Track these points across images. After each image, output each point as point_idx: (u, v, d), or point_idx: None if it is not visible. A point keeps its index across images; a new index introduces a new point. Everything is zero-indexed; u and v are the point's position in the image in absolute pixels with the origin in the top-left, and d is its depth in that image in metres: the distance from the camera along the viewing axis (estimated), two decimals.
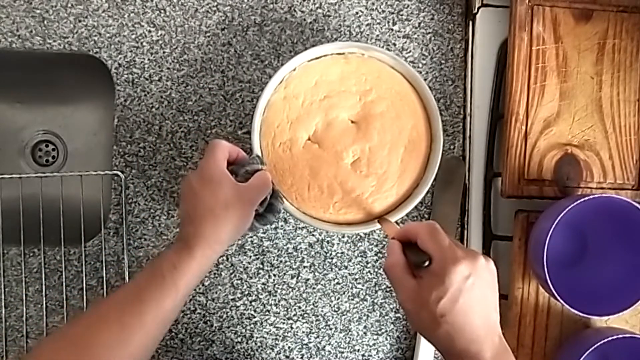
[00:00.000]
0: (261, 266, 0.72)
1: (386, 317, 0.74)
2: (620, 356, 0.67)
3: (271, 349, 0.73)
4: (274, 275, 0.73)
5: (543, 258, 0.61)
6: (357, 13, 0.75)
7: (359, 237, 0.74)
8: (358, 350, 0.73)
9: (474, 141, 0.73)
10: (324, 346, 0.73)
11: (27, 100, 0.81)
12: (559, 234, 0.68)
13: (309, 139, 0.65)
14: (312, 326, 0.73)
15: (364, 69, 0.65)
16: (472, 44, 0.74)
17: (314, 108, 0.64)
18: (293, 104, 0.64)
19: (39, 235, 0.69)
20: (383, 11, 0.75)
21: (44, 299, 0.70)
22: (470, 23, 0.75)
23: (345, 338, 0.73)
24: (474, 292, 0.47)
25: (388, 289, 0.74)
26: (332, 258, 0.73)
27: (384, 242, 0.74)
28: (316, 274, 0.73)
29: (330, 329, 0.73)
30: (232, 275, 0.72)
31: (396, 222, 0.63)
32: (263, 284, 0.72)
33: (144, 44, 0.72)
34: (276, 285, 0.73)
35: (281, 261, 0.73)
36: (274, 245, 0.73)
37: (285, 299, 0.73)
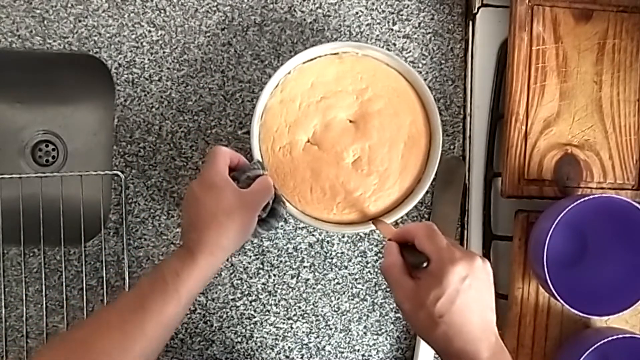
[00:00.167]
0: (261, 266, 0.72)
1: (386, 317, 0.74)
2: (620, 356, 0.67)
3: (271, 349, 0.73)
4: (274, 275, 0.73)
5: (543, 258, 0.61)
6: (357, 13, 0.75)
7: (359, 237, 0.74)
8: (358, 350, 0.73)
9: (474, 141, 0.73)
10: (324, 346, 0.73)
11: (27, 100, 0.81)
12: (559, 234, 0.68)
13: (308, 141, 0.64)
14: (312, 326, 0.73)
15: (359, 68, 0.65)
16: (472, 44, 0.74)
17: (311, 110, 0.64)
18: (290, 107, 0.64)
19: (39, 235, 0.69)
20: (383, 11, 0.75)
21: (44, 299, 0.70)
22: (470, 23, 0.75)
23: (345, 338, 0.73)
24: (471, 292, 0.48)
25: (388, 289, 0.74)
26: (332, 258, 0.73)
27: (383, 242, 0.74)
28: (316, 274, 0.73)
29: (330, 329, 0.73)
30: (232, 275, 0.72)
31: (396, 221, 0.63)
32: (263, 284, 0.72)
33: (144, 44, 0.72)
34: (276, 285, 0.73)
35: (281, 261, 0.73)
36: (274, 245, 0.73)
37: (285, 299, 0.73)
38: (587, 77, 0.70)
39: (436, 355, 0.73)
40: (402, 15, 0.75)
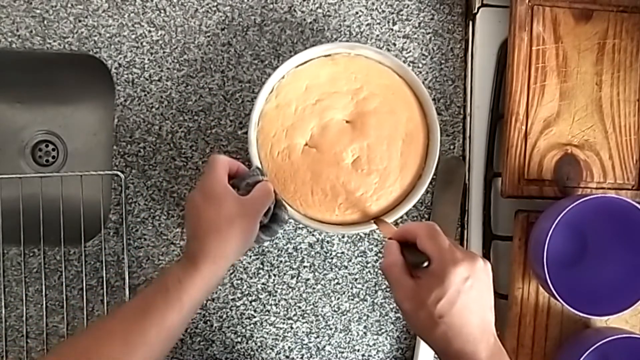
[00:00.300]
0: (261, 266, 0.72)
1: (386, 317, 0.74)
2: (620, 356, 0.67)
3: (271, 349, 0.73)
4: (274, 275, 0.73)
5: (543, 258, 0.61)
6: (357, 13, 0.75)
7: (359, 237, 0.74)
8: (358, 350, 0.73)
9: (474, 141, 0.73)
10: (324, 346, 0.73)
11: (27, 100, 0.81)
12: (559, 234, 0.68)
13: (306, 144, 0.64)
14: (312, 326, 0.73)
15: (352, 68, 0.65)
16: (472, 44, 0.74)
17: (307, 113, 0.64)
18: (286, 112, 0.64)
19: (39, 235, 0.69)
20: (383, 11, 0.75)
21: (44, 299, 0.70)
22: (470, 23, 0.75)
23: (345, 338, 0.73)
24: (472, 293, 0.48)
25: (388, 289, 0.74)
26: (332, 258, 0.73)
27: (384, 242, 0.74)
28: (316, 274, 0.73)
29: (330, 329, 0.73)
30: (232, 275, 0.72)
31: (396, 221, 0.63)
32: (263, 284, 0.72)
33: (144, 44, 0.72)
34: (276, 285, 0.73)
35: (281, 261, 0.73)
36: (274, 245, 0.73)
37: (285, 299, 0.73)
38: (587, 77, 0.70)
39: (436, 356, 0.73)
40: (402, 15, 0.75)
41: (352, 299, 0.73)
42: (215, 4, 0.73)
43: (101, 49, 0.72)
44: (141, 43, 0.72)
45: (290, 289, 0.73)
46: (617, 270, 0.67)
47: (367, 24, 0.75)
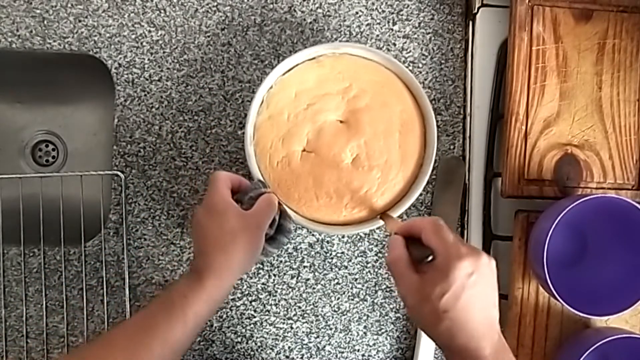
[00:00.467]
0: (261, 266, 0.72)
1: (386, 317, 0.74)
2: (620, 356, 0.67)
3: (271, 349, 0.73)
4: (274, 275, 0.73)
5: (543, 258, 0.61)
6: (357, 13, 0.75)
7: (359, 237, 0.74)
8: (358, 350, 0.73)
9: (474, 141, 0.73)
10: (324, 346, 0.73)
11: (27, 100, 0.81)
12: (559, 234, 0.68)
13: (304, 150, 0.64)
14: (312, 326, 0.73)
15: (338, 68, 0.65)
16: (472, 44, 0.74)
17: (300, 119, 0.64)
18: (279, 121, 0.64)
19: (39, 235, 0.69)
20: (383, 11, 0.75)
21: (44, 299, 0.70)
22: (470, 23, 0.75)
23: (345, 338, 0.73)
24: (476, 289, 0.47)
25: (388, 289, 0.74)
26: (332, 258, 0.73)
27: (384, 242, 0.74)
28: (316, 274, 0.73)
29: (330, 329, 0.73)
30: None
31: (402, 214, 0.63)
32: (263, 284, 0.72)
33: (144, 44, 0.72)
34: (276, 285, 0.73)
35: (281, 261, 0.73)
36: None
37: (285, 299, 0.73)
38: (587, 77, 0.70)
39: (436, 356, 0.73)
40: (402, 15, 0.75)
41: (352, 299, 0.73)
42: (215, 4, 0.73)
43: (101, 49, 0.72)
44: (141, 43, 0.72)
45: (290, 289, 0.73)
46: (617, 270, 0.67)
47: (367, 24, 0.75)
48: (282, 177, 0.64)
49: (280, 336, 0.73)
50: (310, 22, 0.74)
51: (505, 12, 0.71)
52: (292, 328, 0.73)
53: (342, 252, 0.73)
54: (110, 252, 0.71)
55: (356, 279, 0.73)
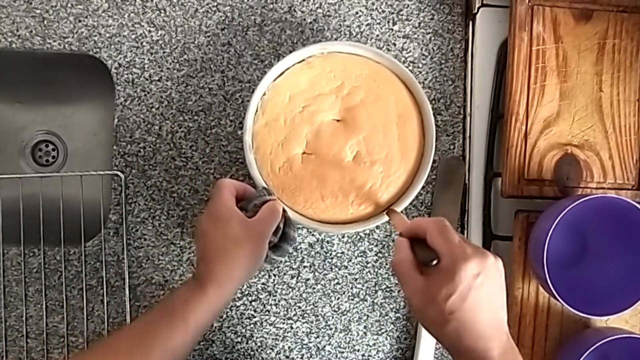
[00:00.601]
0: None
1: (386, 317, 0.74)
2: (620, 356, 0.67)
3: (271, 349, 0.73)
4: (274, 275, 0.73)
5: (543, 258, 0.61)
6: (357, 13, 0.75)
7: (359, 237, 0.74)
8: (358, 350, 0.73)
9: (474, 141, 0.73)
10: (324, 346, 0.73)
11: (27, 100, 0.81)
12: (559, 234, 0.68)
13: (304, 153, 0.64)
14: (312, 326, 0.73)
15: (328, 67, 0.65)
16: (472, 44, 0.74)
17: (297, 122, 0.64)
18: (276, 127, 0.64)
19: (39, 235, 0.69)
20: (383, 11, 0.75)
21: (44, 299, 0.70)
22: (470, 23, 0.75)
23: (345, 338, 0.73)
24: (483, 290, 0.47)
25: (388, 289, 0.74)
26: (332, 258, 0.73)
27: (384, 242, 0.74)
28: (316, 274, 0.73)
29: (330, 329, 0.73)
30: None
31: (404, 211, 0.63)
32: (263, 284, 0.72)
33: (144, 44, 0.72)
34: (276, 285, 0.73)
35: (281, 261, 0.73)
36: None
37: (285, 299, 0.73)
38: (587, 77, 0.70)
39: (436, 356, 0.73)
40: (402, 15, 0.75)
41: (352, 299, 0.73)
42: (215, 4, 0.73)
43: (101, 49, 0.72)
44: (141, 43, 0.72)
45: (290, 289, 0.73)
46: (617, 270, 0.67)
47: (367, 24, 0.75)
48: (285, 182, 0.64)
49: (280, 336, 0.73)
50: (310, 22, 0.74)
51: (505, 12, 0.71)
52: (292, 328, 0.73)
53: (342, 252, 0.73)
54: (110, 252, 0.71)
55: (356, 279, 0.73)
